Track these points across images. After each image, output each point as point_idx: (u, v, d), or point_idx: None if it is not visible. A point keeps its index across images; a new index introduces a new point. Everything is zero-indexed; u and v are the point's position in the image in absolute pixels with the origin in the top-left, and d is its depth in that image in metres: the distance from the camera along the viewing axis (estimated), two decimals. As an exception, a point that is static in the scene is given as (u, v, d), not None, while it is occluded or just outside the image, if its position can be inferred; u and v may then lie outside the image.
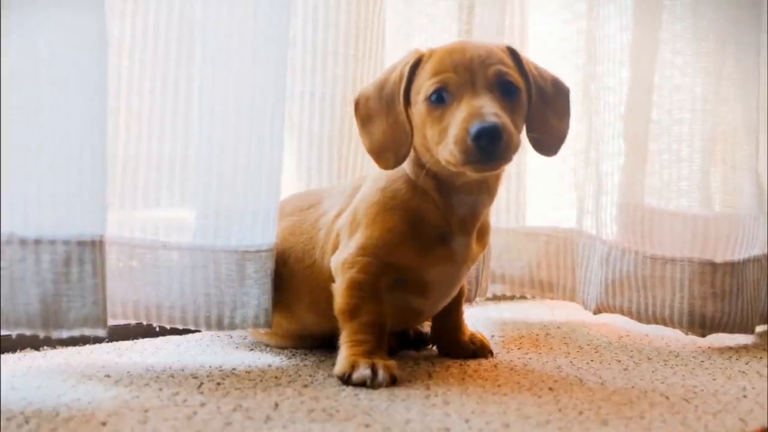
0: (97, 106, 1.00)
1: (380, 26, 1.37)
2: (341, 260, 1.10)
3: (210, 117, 1.12)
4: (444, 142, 1.01)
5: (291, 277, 1.17)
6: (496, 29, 1.43)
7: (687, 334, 1.38)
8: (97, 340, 1.22)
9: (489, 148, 0.97)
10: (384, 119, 1.09)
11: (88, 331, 0.99)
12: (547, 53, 1.57)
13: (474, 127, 0.97)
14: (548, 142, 1.11)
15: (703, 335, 1.37)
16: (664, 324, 1.38)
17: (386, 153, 1.09)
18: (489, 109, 0.99)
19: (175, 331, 1.24)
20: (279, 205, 1.17)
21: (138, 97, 1.13)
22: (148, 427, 0.85)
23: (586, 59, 1.50)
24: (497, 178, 1.11)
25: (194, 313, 1.13)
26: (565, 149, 1.52)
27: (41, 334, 0.97)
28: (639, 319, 1.40)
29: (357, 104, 1.12)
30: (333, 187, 1.27)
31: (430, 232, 1.09)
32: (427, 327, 1.28)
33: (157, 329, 1.26)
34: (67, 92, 0.98)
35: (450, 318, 1.22)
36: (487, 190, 1.11)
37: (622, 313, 1.41)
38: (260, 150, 1.13)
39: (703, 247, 1.38)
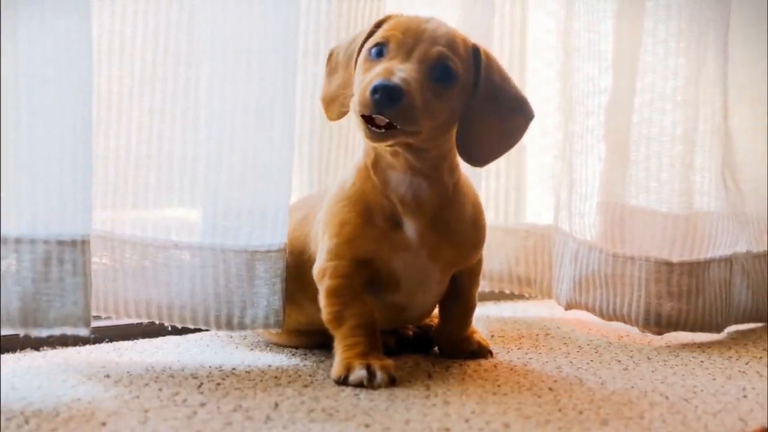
0: (81, 107, 1.00)
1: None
2: (317, 269, 1.11)
3: (219, 116, 1.13)
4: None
5: (296, 269, 1.16)
6: (484, 29, 1.44)
7: (643, 332, 1.40)
8: (96, 340, 1.22)
9: (380, 105, 0.96)
10: (343, 72, 1.11)
11: (69, 330, 0.99)
12: (546, 53, 1.57)
13: (376, 82, 0.97)
14: (473, 151, 1.08)
15: (660, 333, 1.39)
16: (624, 322, 1.40)
17: (333, 104, 1.11)
18: (401, 73, 0.99)
19: (175, 331, 1.24)
20: (301, 199, 1.18)
21: (149, 97, 1.14)
22: (148, 427, 0.85)
23: (564, 58, 1.50)
24: (428, 160, 1.07)
25: (204, 313, 1.14)
26: (553, 148, 1.55)
27: (21, 333, 0.97)
28: (601, 316, 1.42)
29: (330, 56, 1.14)
30: None
31: (379, 216, 1.09)
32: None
33: (157, 328, 1.26)
34: (47, 92, 0.97)
35: (452, 321, 1.21)
36: (420, 174, 1.07)
37: (587, 309, 1.44)
38: (270, 149, 1.14)
39: (662, 246, 1.40)
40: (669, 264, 1.38)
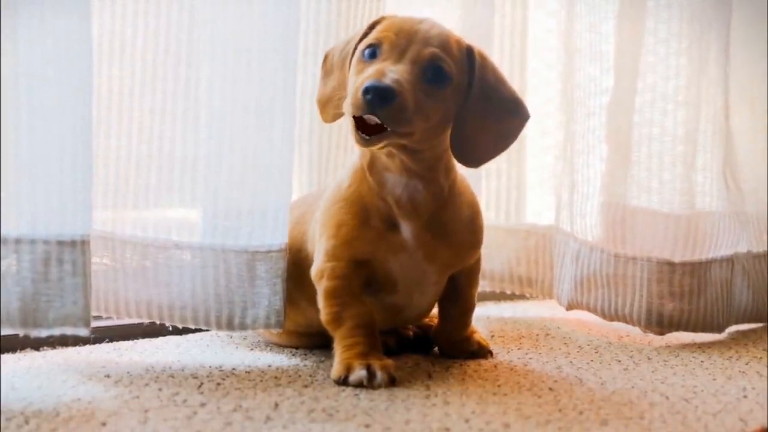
0: (81, 107, 1.00)
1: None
2: (314, 271, 1.11)
3: (219, 116, 1.13)
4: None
5: (293, 268, 1.16)
6: (484, 29, 1.44)
7: (645, 332, 1.40)
8: (96, 340, 1.22)
9: (372, 105, 0.96)
10: (338, 73, 1.11)
11: (69, 331, 0.99)
12: (547, 53, 1.57)
13: (367, 83, 0.97)
14: (468, 152, 1.08)
15: (661, 333, 1.39)
16: (625, 322, 1.41)
17: (328, 105, 1.12)
18: (393, 74, 0.99)
19: (175, 331, 1.24)
20: (300, 198, 1.18)
21: (150, 97, 1.14)
22: (148, 427, 0.85)
23: (565, 59, 1.50)
24: (423, 161, 1.07)
25: (205, 313, 1.14)
26: (554, 148, 1.55)
27: (21, 333, 0.97)
28: (603, 317, 1.42)
29: (325, 58, 1.14)
30: None
31: (375, 218, 1.09)
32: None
33: (158, 328, 1.26)
34: (47, 92, 0.97)
35: (452, 322, 1.21)
36: (416, 175, 1.07)
37: (588, 309, 1.44)
38: (270, 149, 1.14)
39: (663, 246, 1.40)
40: (671, 264, 1.38)
